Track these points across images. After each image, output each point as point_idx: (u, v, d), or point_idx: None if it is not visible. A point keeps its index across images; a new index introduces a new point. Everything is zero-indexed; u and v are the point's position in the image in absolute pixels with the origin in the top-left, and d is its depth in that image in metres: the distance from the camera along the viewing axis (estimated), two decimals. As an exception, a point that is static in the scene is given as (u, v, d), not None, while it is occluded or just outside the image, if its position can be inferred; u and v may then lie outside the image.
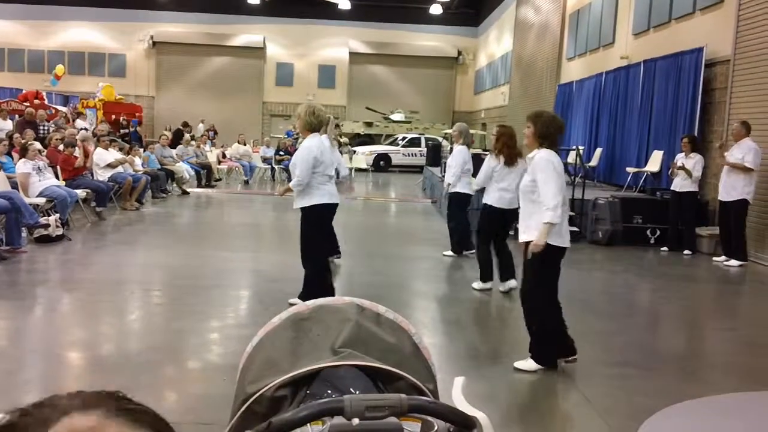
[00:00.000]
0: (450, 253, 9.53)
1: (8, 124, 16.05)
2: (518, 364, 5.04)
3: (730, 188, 9.48)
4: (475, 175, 8.55)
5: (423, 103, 34.75)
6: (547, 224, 4.71)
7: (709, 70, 11.48)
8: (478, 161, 8.85)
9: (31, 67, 33.83)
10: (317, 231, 6.48)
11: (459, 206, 9.29)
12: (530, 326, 5.11)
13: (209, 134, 24.80)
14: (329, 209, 6.46)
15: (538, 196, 4.82)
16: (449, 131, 9.65)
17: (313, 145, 6.26)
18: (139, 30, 34.73)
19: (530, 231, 4.89)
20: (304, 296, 6.11)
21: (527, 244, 4.93)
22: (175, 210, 13.77)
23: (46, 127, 15.82)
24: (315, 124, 6.26)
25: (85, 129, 17.18)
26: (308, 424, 1.41)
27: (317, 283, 6.38)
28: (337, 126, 22.20)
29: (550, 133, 4.92)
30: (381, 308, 1.86)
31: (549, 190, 4.73)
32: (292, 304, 5.81)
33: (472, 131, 10.56)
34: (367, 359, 1.65)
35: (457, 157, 8.94)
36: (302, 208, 6.36)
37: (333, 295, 6.30)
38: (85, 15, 34.13)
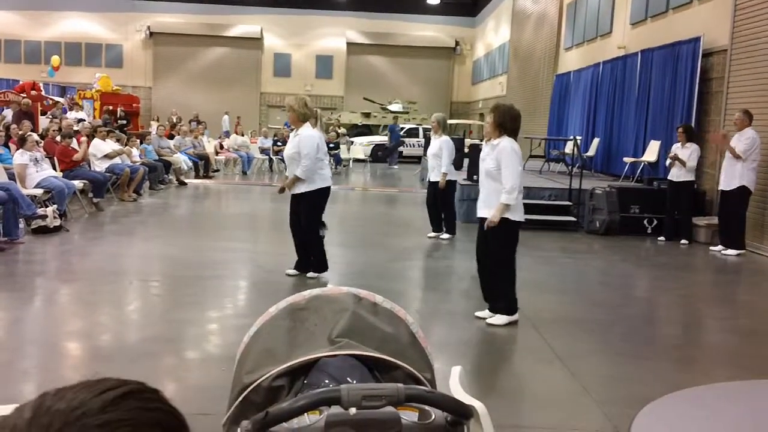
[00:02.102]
0: (447, 235, 10.01)
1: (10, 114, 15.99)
2: (491, 321, 5.74)
3: (730, 177, 9.43)
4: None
5: (421, 93, 34.65)
6: (504, 204, 5.52)
7: (706, 59, 11.47)
8: (477, 152, 9.31)
9: (28, 57, 33.71)
10: (319, 211, 7.12)
11: (452, 192, 10.12)
12: (496, 288, 5.78)
13: (204, 125, 24.36)
14: (327, 191, 7.16)
15: (501, 179, 5.55)
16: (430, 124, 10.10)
17: (314, 134, 6.86)
18: (135, 20, 34.60)
19: (490, 208, 5.62)
20: (317, 267, 7.09)
21: (484, 219, 5.67)
22: (173, 201, 13.76)
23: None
24: (308, 115, 6.89)
25: (82, 120, 17.11)
26: (305, 414, 1.42)
27: (323, 252, 7.14)
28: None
29: (506, 122, 5.58)
30: (378, 298, 1.86)
31: (509, 175, 5.48)
32: (310, 278, 6.14)
33: (469, 122, 10.93)
34: (364, 349, 1.65)
35: (447, 147, 9.61)
36: (305, 193, 6.89)
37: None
38: (81, 5, 33.98)
